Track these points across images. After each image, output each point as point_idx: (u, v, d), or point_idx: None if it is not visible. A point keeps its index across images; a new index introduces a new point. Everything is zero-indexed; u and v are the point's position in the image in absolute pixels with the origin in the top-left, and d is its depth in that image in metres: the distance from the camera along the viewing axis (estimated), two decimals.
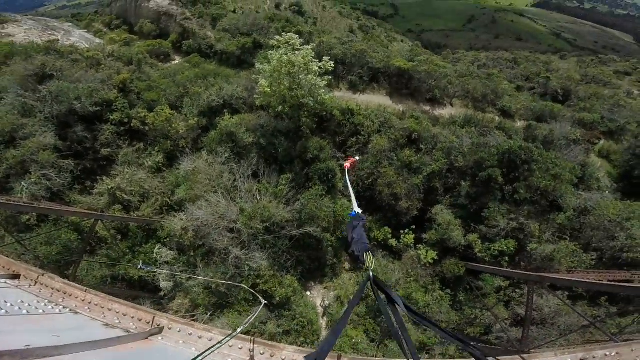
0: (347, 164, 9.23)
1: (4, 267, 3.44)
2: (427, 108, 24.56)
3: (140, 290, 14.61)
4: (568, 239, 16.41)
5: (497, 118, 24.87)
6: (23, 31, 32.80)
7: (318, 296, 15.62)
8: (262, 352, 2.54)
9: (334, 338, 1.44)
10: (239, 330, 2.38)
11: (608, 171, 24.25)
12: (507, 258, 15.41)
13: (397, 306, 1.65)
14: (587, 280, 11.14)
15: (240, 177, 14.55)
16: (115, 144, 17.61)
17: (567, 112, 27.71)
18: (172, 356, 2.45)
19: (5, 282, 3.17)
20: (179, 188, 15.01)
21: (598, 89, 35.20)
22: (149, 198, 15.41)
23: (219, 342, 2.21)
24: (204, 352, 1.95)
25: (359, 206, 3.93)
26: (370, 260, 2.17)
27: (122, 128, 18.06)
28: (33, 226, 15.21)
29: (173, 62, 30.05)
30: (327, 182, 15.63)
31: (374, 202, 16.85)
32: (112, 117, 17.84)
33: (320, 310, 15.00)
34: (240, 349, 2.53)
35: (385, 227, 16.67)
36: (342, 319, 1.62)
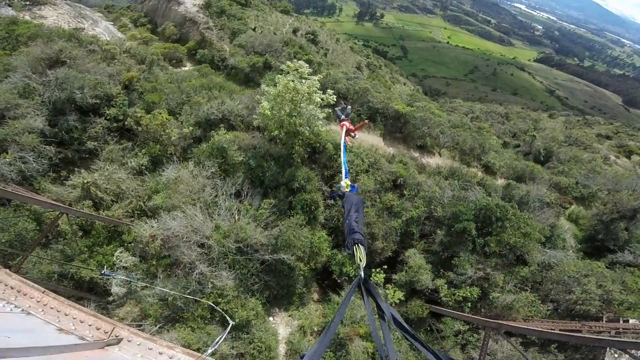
0: (349, 128, 6.98)
1: None
2: (417, 155, 25.43)
3: (87, 292, 13.83)
4: (529, 290, 17.68)
5: (480, 173, 26.01)
6: (56, 14, 33.01)
7: (281, 323, 15.19)
8: None
9: (327, 338, 1.39)
10: (209, 350, 2.36)
11: (574, 233, 25.64)
12: (469, 304, 16.14)
13: (384, 316, 1.61)
14: (540, 329, 11.96)
15: (223, 195, 14.32)
16: (103, 138, 17.29)
17: (546, 175, 29.25)
18: None
19: None
20: (157, 194, 14.59)
21: (578, 152, 37.88)
22: (123, 199, 14.89)
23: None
24: None
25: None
26: (361, 256, 1.99)
27: (115, 124, 17.90)
28: None
29: (184, 68, 30.43)
30: (309, 213, 15.60)
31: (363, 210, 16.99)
32: (108, 112, 17.77)
33: (281, 337, 14.53)
34: None
35: None
36: (334, 319, 1.55)
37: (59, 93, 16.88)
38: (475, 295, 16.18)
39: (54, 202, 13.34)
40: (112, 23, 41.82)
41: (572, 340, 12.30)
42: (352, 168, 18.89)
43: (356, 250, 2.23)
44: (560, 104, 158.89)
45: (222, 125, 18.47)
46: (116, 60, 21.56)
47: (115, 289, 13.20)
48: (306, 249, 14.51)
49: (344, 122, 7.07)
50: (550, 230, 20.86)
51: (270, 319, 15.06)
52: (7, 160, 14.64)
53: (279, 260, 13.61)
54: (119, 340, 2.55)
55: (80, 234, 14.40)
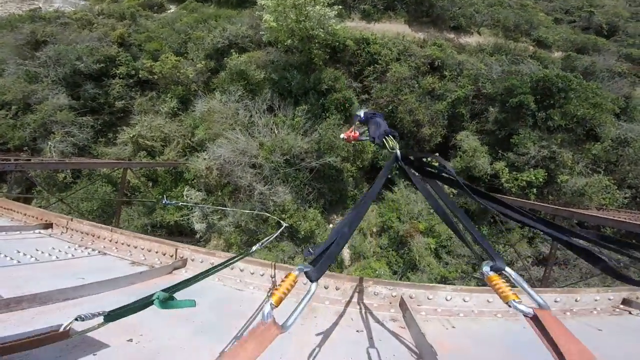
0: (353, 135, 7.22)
1: (37, 218, 3.56)
2: (452, 36, 22.58)
3: (178, 235, 15.36)
4: (602, 172, 15.40)
5: (531, 47, 22.73)
6: (1, 2, 31.81)
7: None
8: (283, 278, 2.51)
9: (356, 214, 1.05)
10: (255, 247, 2.25)
11: None
12: (535, 190, 14.54)
13: (438, 182, 1.28)
14: (620, 219, 9.63)
15: (256, 113, 14.37)
16: (127, 95, 17.93)
17: (613, 47, 24.77)
18: (196, 287, 2.44)
19: (39, 232, 3.27)
20: (198, 129, 15.12)
21: None
22: (171, 142, 15.75)
23: (234, 258, 2.12)
24: (217, 266, 1.87)
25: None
26: (391, 142, 1.76)
27: (131, 80, 18.28)
28: (70, 184, 16.06)
29: (168, 12, 28.52)
30: (345, 111, 15.15)
31: (394, 129, 16.18)
32: (118, 72, 18.00)
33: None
34: (262, 275, 2.49)
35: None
36: (364, 200, 1.26)
37: (62, 69, 17.34)
38: (541, 179, 14.33)
39: (114, 161, 14.47)
40: None
41: None
42: (380, 59, 17.36)
43: (385, 140, 1.83)
44: None
45: (232, 50, 17.73)
46: (95, 25, 21.05)
47: (197, 226, 14.50)
48: (349, 148, 14.44)
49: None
50: (625, 101, 17.92)
51: (331, 226, 15.77)
52: (58, 139, 15.97)
53: (325, 164, 13.81)
54: (184, 262, 2.65)
55: (150, 184, 15.73)
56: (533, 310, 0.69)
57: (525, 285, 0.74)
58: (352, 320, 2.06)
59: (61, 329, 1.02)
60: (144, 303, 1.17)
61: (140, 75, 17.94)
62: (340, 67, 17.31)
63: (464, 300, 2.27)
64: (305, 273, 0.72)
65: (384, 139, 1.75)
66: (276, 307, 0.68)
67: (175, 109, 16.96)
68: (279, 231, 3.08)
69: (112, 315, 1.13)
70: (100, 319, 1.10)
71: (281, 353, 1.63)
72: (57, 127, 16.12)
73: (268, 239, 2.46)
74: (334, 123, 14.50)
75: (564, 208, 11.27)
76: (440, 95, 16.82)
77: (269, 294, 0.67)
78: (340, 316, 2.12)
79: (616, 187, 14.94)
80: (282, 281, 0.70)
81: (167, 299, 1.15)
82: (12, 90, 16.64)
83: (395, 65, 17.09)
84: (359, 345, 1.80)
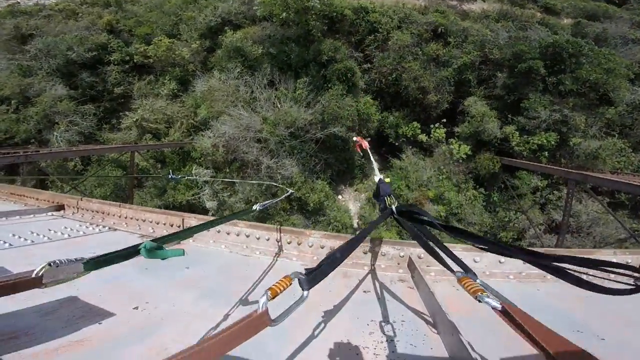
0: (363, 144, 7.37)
1: (48, 201, 3.61)
2: (454, 2, 21.75)
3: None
4: (616, 136, 14.98)
5: (538, 14, 21.66)
6: None
7: (350, 199, 15.94)
8: (289, 240, 2.42)
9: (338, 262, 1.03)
10: (255, 206, 2.17)
11: None
12: (546, 153, 14.23)
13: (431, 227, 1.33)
14: (636, 184, 8.97)
15: (257, 88, 14.15)
16: (125, 81, 17.82)
17: (625, 15, 23.27)
18: (202, 255, 2.39)
19: (52, 214, 3.34)
20: (200, 108, 15.07)
21: None
22: (174, 123, 15.78)
23: (235, 213, 2.03)
24: (213, 221, 1.85)
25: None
26: (390, 200, 1.86)
27: (127, 65, 18.10)
28: (80, 171, 16.36)
29: None
30: (347, 82, 14.75)
31: (399, 97, 15.95)
32: (112, 58, 17.84)
33: (353, 213, 15.39)
34: (267, 240, 2.45)
35: (414, 122, 15.95)
36: (357, 236, 1.29)
37: (54, 60, 17.24)
38: (553, 142, 13.94)
39: (121, 146, 14.59)
40: None
41: None
42: (380, 27, 16.61)
43: (387, 199, 1.91)
44: None
45: (226, 28, 17.24)
46: (80, 14, 20.69)
47: (208, 205, 14.69)
48: (354, 117, 14.18)
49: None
50: None
51: (339, 197, 15.87)
52: (62, 128, 16.14)
53: (331, 135, 13.65)
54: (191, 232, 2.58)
55: (158, 165, 15.92)
56: (501, 304, 0.74)
57: (489, 290, 0.82)
58: (359, 281, 2.03)
59: (33, 275, 0.98)
60: (129, 252, 1.10)
61: (135, 60, 17.73)
62: (340, 37, 16.73)
63: (475, 261, 2.22)
64: (298, 280, 0.78)
65: (385, 198, 1.84)
66: (272, 299, 0.71)
67: (175, 91, 16.82)
68: (283, 196, 3.10)
69: (92, 263, 1.03)
70: (80, 267, 1.02)
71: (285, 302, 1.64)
72: (60, 118, 16.27)
73: (271, 202, 2.45)
74: (337, 93, 14.18)
75: (577, 171, 10.80)
76: (446, 62, 16.31)
77: (267, 289, 0.70)
78: (347, 277, 2.10)
79: (631, 150, 14.63)
80: (280, 280, 0.76)
81: (155, 248, 1.10)
82: (8, 85, 16.66)
83: (396, 33, 16.50)
84: (366, 306, 1.78)
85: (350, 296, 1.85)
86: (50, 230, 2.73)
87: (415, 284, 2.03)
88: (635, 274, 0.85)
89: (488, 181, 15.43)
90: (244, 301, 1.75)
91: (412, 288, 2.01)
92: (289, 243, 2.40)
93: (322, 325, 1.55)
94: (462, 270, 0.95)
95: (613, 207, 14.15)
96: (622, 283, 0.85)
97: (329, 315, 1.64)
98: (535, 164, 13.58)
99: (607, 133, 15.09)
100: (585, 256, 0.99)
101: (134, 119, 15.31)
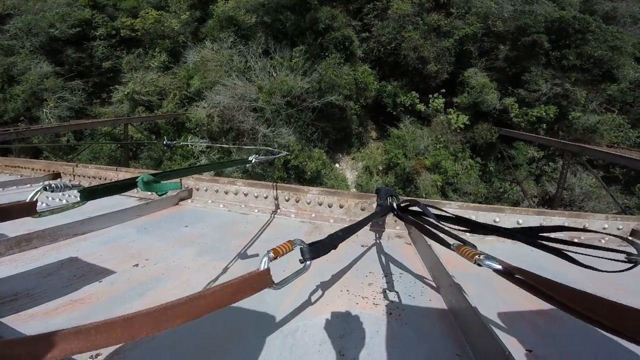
0: None
1: (44, 170, 3.53)
2: None
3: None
4: (616, 112, 14.75)
5: None
6: None
7: (347, 168, 15.82)
8: (287, 198, 2.38)
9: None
10: (251, 157, 2.10)
11: None
12: (544, 126, 14.14)
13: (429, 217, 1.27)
14: (634, 157, 8.87)
15: (252, 57, 13.62)
16: (113, 55, 17.16)
17: None
18: (201, 215, 2.37)
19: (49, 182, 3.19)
20: (193, 79, 14.56)
21: None
22: (167, 95, 15.35)
23: (231, 160, 1.93)
24: (212, 164, 1.71)
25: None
26: (390, 199, 1.80)
27: (113, 40, 17.38)
28: (74, 146, 16.10)
29: None
30: (344, 50, 14.23)
31: (398, 67, 15.46)
32: (98, 34, 17.09)
33: (350, 182, 15.37)
34: (265, 197, 2.43)
35: (412, 92, 15.57)
36: (360, 222, 1.24)
37: (36, 38, 16.64)
38: (552, 115, 13.76)
39: (114, 118, 14.28)
40: None
41: None
42: None
43: (389, 199, 1.78)
44: None
45: None
46: None
47: (205, 174, 14.57)
48: (352, 86, 13.79)
49: None
50: None
51: (337, 165, 15.70)
52: (52, 105, 15.73)
53: (328, 104, 13.34)
54: (190, 193, 2.66)
55: (153, 137, 15.66)
56: (501, 264, 0.74)
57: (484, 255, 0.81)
58: (357, 237, 2.04)
59: (27, 199, 0.95)
60: (125, 183, 1.08)
61: (122, 34, 17.00)
62: (337, 5, 15.97)
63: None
64: (301, 249, 0.78)
65: (387, 198, 1.82)
66: (274, 259, 0.71)
67: (166, 63, 16.21)
68: (280, 155, 3.09)
69: (88, 192, 1.00)
70: (76, 196, 0.99)
71: (284, 267, 1.65)
72: (48, 94, 15.86)
73: (266, 158, 2.43)
74: (335, 62, 13.72)
75: (574, 143, 10.66)
76: (447, 33, 15.65)
77: (270, 250, 0.69)
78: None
79: (630, 127, 14.45)
80: (283, 244, 0.75)
81: (152, 181, 1.07)
82: None
83: (396, 1, 15.63)
84: (365, 259, 1.80)
85: (348, 252, 1.87)
86: (47, 197, 2.68)
87: (412, 240, 2.06)
88: (628, 250, 0.87)
89: (485, 151, 15.41)
90: (242, 255, 1.77)
91: (409, 244, 2.04)
92: (287, 200, 2.41)
93: (322, 275, 1.58)
94: (459, 242, 0.95)
95: (607, 181, 14.11)
96: (615, 260, 0.86)
97: (328, 266, 1.66)
98: (532, 135, 13.48)
99: (607, 109, 14.97)
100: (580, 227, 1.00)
101: (125, 92, 14.85)
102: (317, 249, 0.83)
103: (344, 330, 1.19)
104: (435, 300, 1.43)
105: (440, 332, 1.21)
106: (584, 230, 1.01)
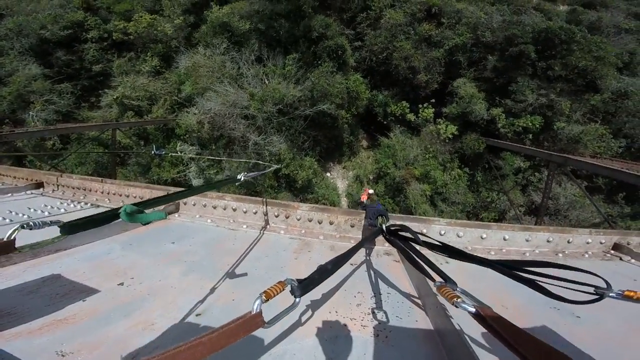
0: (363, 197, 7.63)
1: (26, 179, 3.45)
2: None
3: (176, 188, 15.51)
4: (599, 122, 15.19)
5: None
6: None
7: (338, 177, 15.86)
8: (276, 214, 2.38)
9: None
10: (240, 176, 2.08)
11: None
12: (530, 136, 14.51)
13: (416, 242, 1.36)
14: (615, 168, 9.44)
15: (244, 64, 13.60)
16: (104, 59, 17.01)
17: (622, 5, 23.00)
18: (188, 230, 2.34)
19: (31, 192, 3.19)
20: (184, 85, 14.46)
21: None
22: (157, 100, 15.16)
23: (219, 181, 1.94)
24: (201, 187, 1.74)
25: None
26: (382, 221, 1.79)
27: (105, 43, 17.22)
28: (59, 150, 15.72)
29: None
30: (337, 59, 14.36)
31: (389, 76, 15.68)
32: (89, 36, 16.94)
33: (341, 191, 15.41)
34: (255, 213, 2.41)
35: (403, 102, 15.79)
36: (349, 251, 1.26)
37: (27, 39, 16.47)
38: (537, 125, 14.15)
39: (101, 123, 14.02)
40: None
41: None
42: (373, 5, 16.08)
43: (379, 219, 1.81)
44: None
45: (212, 3, 16.31)
46: None
47: (194, 182, 14.34)
48: (344, 95, 13.87)
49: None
50: (630, 56, 17.30)
51: (328, 174, 15.74)
52: (38, 108, 15.45)
53: (320, 112, 13.40)
54: (177, 206, 2.62)
55: (142, 142, 15.41)
56: (475, 307, 0.78)
57: (465, 296, 0.89)
58: None
59: (4, 238, 0.93)
60: (108, 215, 1.05)
61: (114, 38, 16.81)
62: (331, 13, 16.09)
63: (458, 236, 2.28)
64: (291, 287, 0.83)
65: (377, 217, 1.87)
66: (266, 301, 0.74)
67: (158, 67, 16.04)
68: (269, 169, 3.06)
69: (68, 226, 0.96)
70: (55, 230, 0.96)
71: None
72: (35, 97, 15.55)
73: (256, 174, 2.42)
74: (327, 70, 13.80)
75: (558, 154, 11.02)
76: (437, 43, 15.95)
77: (262, 293, 0.72)
78: (334, 250, 2.12)
79: (612, 137, 14.91)
80: (274, 285, 0.79)
81: (135, 212, 1.05)
82: None
83: (389, 11, 15.96)
84: (353, 278, 1.81)
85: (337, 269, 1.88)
86: (29, 208, 2.64)
87: (400, 258, 2.08)
88: (595, 285, 0.95)
89: (473, 161, 15.68)
90: (230, 274, 1.74)
91: (397, 261, 2.05)
92: (276, 216, 2.39)
93: (312, 294, 1.58)
94: (442, 280, 1.01)
95: (590, 190, 14.57)
96: (585, 292, 0.95)
97: (318, 287, 1.66)
98: (519, 145, 13.77)
99: (590, 119, 15.35)
100: (558, 262, 1.06)
101: (114, 97, 14.62)
102: (306, 286, 0.87)
103: (333, 353, 1.19)
104: (421, 321, 1.45)
105: (425, 354, 1.23)
106: (558, 266, 1.06)
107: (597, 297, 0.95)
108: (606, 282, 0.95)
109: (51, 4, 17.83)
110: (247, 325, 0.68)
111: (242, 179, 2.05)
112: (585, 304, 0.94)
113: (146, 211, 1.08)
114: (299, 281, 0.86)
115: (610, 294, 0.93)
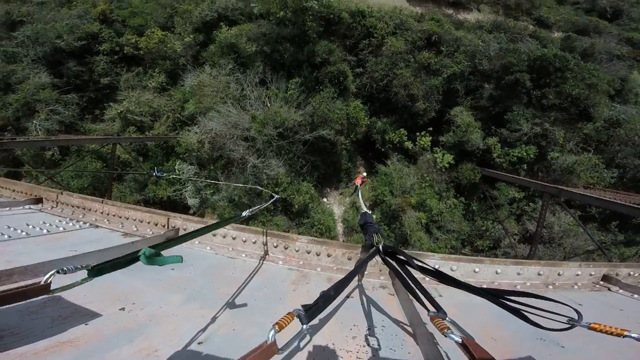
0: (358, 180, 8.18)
1: (25, 193, 3.46)
2: (450, 11, 22.30)
3: (171, 211, 15.35)
4: (592, 151, 15.57)
5: (531, 27, 22.31)
6: None
7: (334, 203, 15.91)
8: (275, 244, 2.44)
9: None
10: (245, 213, 2.16)
11: None
12: (525, 166, 14.71)
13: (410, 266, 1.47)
14: (607, 199, 9.90)
15: (248, 86, 13.96)
16: (112, 72, 17.36)
17: (614, 31, 24.34)
18: (187, 257, 2.40)
19: (29, 207, 3.21)
20: (188, 103, 14.70)
21: None
22: (160, 116, 15.38)
23: (226, 219, 2.07)
24: (209, 226, 1.86)
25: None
26: (378, 238, 1.99)
27: (116, 56, 17.64)
28: (58, 161, 15.73)
29: None
30: (339, 85, 14.81)
31: (389, 103, 16.13)
32: (102, 48, 17.39)
33: (337, 217, 15.42)
34: (254, 243, 2.45)
35: (401, 129, 16.14)
36: (349, 274, 1.39)
37: (42, 48, 16.84)
38: (532, 155, 14.43)
39: (102, 137, 14.12)
40: None
41: None
42: (376, 32, 16.83)
43: (375, 236, 2.02)
44: None
45: (221, 23, 16.98)
46: (74, 2, 20.11)
47: (190, 201, 14.39)
48: (343, 121, 14.18)
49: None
50: (621, 83, 18.05)
51: (324, 200, 15.85)
52: (42, 117, 15.58)
53: (319, 137, 13.64)
54: (176, 232, 2.62)
55: (140, 159, 15.47)
56: (462, 338, 0.90)
57: (454, 327, 1.03)
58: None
59: (42, 282, 1.00)
60: (129, 258, 1.14)
61: (125, 51, 17.28)
62: (335, 39, 16.70)
63: (452, 270, 2.34)
64: (298, 316, 0.92)
65: (373, 235, 1.98)
66: (278, 331, 0.82)
67: (164, 84, 16.43)
68: (270, 201, 3.11)
69: (96, 270, 1.06)
70: (84, 273, 1.05)
71: (272, 317, 1.67)
72: (41, 106, 15.70)
73: (258, 207, 2.48)
74: (328, 96, 14.17)
75: (552, 185, 11.30)
76: (436, 71, 16.44)
77: (274, 324, 0.81)
78: (331, 282, 2.17)
79: (604, 167, 15.22)
80: (285, 316, 0.88)
81: (153, 255, 1.13)
82: None
83: (391, 39, 16.56)
84: (348, 311, 1.85)
85: (336, 300, 1.93)
86: (28, 225, 2.64)
87: (395, 291, 2.13)
88: (570, 316, 1.09)
89: (468, 191, 15.79)
90: (231, 304, 1.78)
91: (392, 295, 2.10)
92: (275, 247, 2.43)
93: (308, 329, 1.61)
94: (434, 310, 1.12)
95: (584, 220, 14.79)
96: (559, 322, 1.11)
97: (315, 320, 1.70)
98: (513, 176, 14.00)
99: (583, 148, 15.67)
100: (537, 293, 1.24)
101: (119, 111, 14.86)
102: (312, 314, 0.97)
103: None
104: (414, 353, 1.50)
105: None
106: (535, 296, 1.18)
107: (568, 326, 1.09)
108: (578, 313, 1.09)
109: (70, 14, 18.40)
110: (264, 354, 0.76)
111: (247, 215, 2.11)
112: (558, 332, 1.10)
113: (163, 253, 1.16)
114: (305, 309, 0.95)
115: (581, 324, 1.05)
